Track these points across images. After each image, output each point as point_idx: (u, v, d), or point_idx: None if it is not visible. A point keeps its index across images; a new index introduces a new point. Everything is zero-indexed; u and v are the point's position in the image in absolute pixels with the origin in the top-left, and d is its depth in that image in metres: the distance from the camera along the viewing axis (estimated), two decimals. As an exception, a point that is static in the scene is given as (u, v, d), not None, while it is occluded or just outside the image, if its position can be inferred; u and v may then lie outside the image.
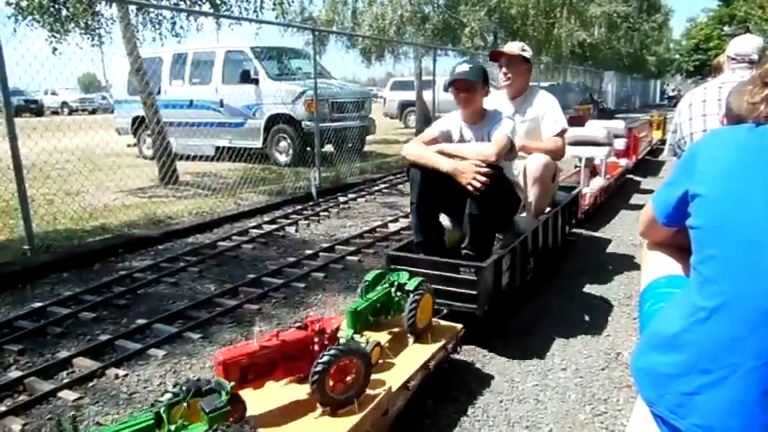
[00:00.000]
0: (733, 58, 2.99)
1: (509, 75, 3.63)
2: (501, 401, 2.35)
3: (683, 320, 1.13)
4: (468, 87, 2.96)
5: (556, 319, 3.19)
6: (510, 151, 2.99)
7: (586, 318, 3.23)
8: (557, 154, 3.59)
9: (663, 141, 10.53)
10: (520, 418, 2.24)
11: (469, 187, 2.71)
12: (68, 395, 2.46)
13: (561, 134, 3.62)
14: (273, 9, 8.92)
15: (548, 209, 3.77)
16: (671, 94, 43.94)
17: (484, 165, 2.70)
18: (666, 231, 1.41)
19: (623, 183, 7.48)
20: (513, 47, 3.69)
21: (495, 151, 2.79)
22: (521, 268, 3.15)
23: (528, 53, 3.69)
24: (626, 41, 29.90)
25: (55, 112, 25.43)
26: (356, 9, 15.71)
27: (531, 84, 3.82)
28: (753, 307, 1.02)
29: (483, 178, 2.68)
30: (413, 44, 14.41)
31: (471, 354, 2.73)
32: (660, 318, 1.28)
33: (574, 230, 4.76)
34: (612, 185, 6.54)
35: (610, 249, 4.63)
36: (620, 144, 7.00)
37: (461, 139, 3.11)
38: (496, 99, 3.63)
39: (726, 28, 36.23)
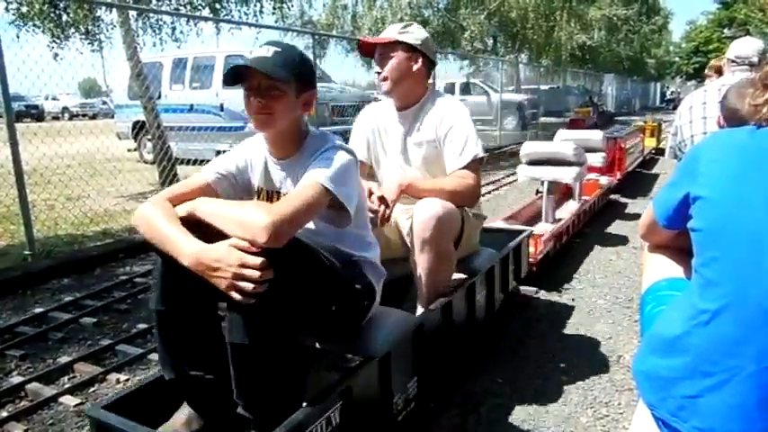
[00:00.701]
0: (733, 61, 3.00)
1: (386, 75, 2.35)
2: (502, 405, 2.34)
3: (685, 323, 1.13)
4: (268, 88, 1.61)
5: (557, 322, 3.19)
6: (339, 215, 1.66)
7: (587, 320, 3.23)
8: (464, 198, 2.29)
9: (659, 150, 9.80)
10: (521, 422, 2.23)
11: (235, 295, 1.39)
12: (70, 400, 2.45)
13: (473, 165, 2.31)
14: (273, 13, 8.96)
15: (459, 276, 2.51)
16: (668, 96, 43.94)
17: (255, 249, 1.39)
18: (667, 234, 1.41)
19: (605, 205, 6.29)
20: (389, 30, 2.40)
21: (267, 224, 1.39)
22: (382, 407, 1.85)
23: (414, 36, 2.36)
24: (626, 44, 29.95)
25: (56, 118, 25.49)
26: (356, 13, 15.76)
27: (431, 87, 2.55)
28: (755, 309, 1.02)
29: (252, 273, 1.37)
30: (413, 48, 14.41)
31: (473, 357, 2.73)
32: (661, 320, 1.28)
33: (524, 288, 3.47)
34: (589, 211, 5.41)
35: (575, 317, 3.19)
36: (597, 160, 5.64)
37: (267, 188, 1.84)
38: (382, 112, 2.55)
39: (725, 31, 36.33)
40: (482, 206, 2.68)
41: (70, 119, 24.79)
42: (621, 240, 4.96)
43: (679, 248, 1.44)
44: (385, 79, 2.36)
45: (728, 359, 1.04)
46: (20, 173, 4.20)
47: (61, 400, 2.46)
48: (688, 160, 1.24)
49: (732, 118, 1.99)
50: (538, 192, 5.19)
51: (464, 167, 2.30)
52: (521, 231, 3.44)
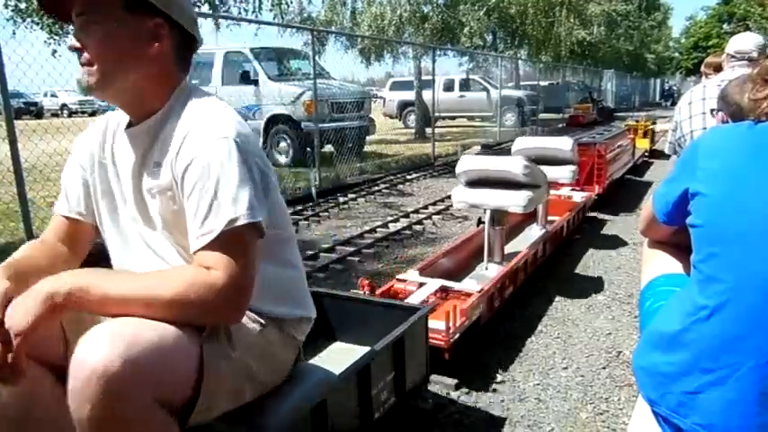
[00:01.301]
0: (732, 56, 2.99)
1: (89, 58, 1.19)
2: (502, 401, 2.34)
3: (684, 319, 1.12)
4: None
5: (556, 318, 3.19)
6: None
7: (587, 316, 3.23)
8: (200, 311, 1.09)
9: (653, 153, 9.35)
10: (521, 418, 2.23)
11: None
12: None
13: (228, 241, 1.11)
14: (271, 10, 8.93)
15: None
16: (666, 92, 43.73)
17: None
18: (667, 230, 1.41)
19: (581, 225, 5.11)
20: None
21: None
22: None
23: None
24: (625, 40, 29.91)
25: (55, 114, 25.45)
26: (355, 9, 15.70)
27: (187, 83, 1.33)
28: (755, 305, 1.02)
29: None
30: (412, 44, 14.41)
31: (473, 354, 2.73)
32: (661, 316, 1.28)
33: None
34: (556, 237, 4.25)
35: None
36: (565, 174, 4.38)
37: None
38: (112, 130, 1.38)
39: (725, 26, 36.34)
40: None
41: (69, 116, 24.72)
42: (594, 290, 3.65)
43: (678, 244, 1.44)
44: (89, 65, 1.20)
45: (728, 355, 1.04)
46: (19, 170, 4.19)
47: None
48: (687, 156, 1.24)
49: (737, 115, 1.97)
50: (480, 222, 3.94)
51: (206, 247, 1.12)
52: (412, 309, 2.09)
